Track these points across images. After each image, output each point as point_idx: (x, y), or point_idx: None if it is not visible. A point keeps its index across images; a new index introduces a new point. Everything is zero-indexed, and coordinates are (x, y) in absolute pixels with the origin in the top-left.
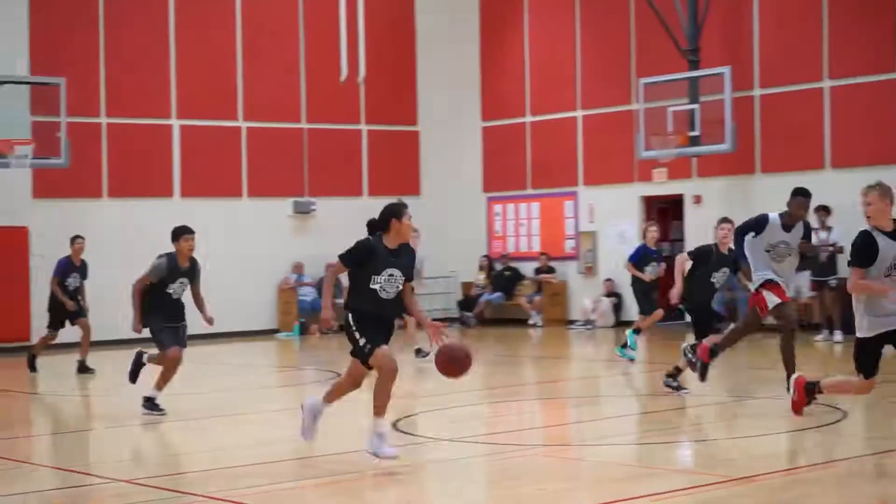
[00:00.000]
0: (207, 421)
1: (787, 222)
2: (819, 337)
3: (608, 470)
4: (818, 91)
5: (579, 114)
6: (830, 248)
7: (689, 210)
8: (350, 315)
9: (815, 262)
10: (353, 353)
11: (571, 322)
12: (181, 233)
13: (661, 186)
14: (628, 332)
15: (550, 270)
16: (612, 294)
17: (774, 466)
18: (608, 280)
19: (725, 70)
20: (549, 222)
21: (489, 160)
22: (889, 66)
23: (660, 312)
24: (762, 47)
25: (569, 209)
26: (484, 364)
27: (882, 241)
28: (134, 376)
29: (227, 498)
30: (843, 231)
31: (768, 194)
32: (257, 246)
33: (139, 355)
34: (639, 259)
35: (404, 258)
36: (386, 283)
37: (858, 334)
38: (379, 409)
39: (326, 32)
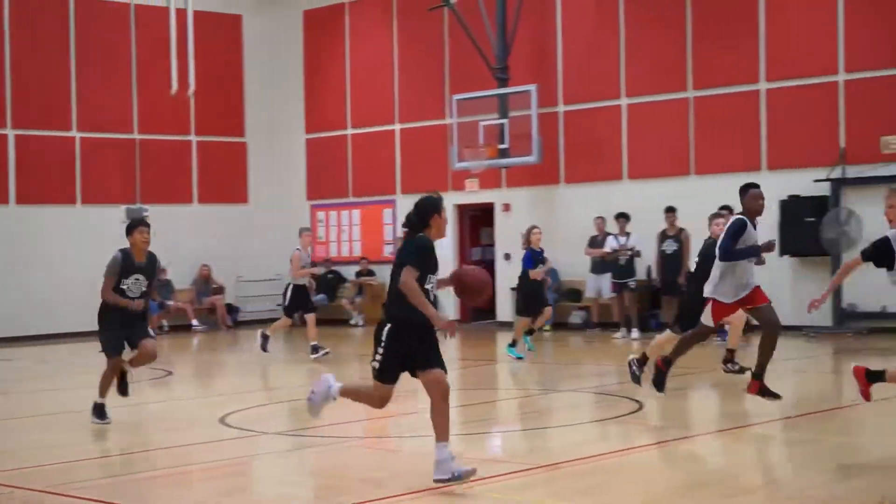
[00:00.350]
0: (39, 419)
1: (752, 221)
2: (618, 334)
3: (423, 460)
4: (616, 108)
5: (397, 127)
6: (629, 253)
7: (499, 217)
8: (389, 327)
9: (616, 264)
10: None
11: None
12: (135, 226)
13: (473, 195)
14: (524, 337)
15: (370, 273)
16: None
17: (578, 454)
18: None
19: (532, 88)
20: (369, 228)
21: (313, 170)
22: (681, 85)
23: (549, 310)
24: (565, 67)
25: (387, 216)
26: (308, 362)
27: None
28: (124, 390)
29: (63, 492)
30: (640, 237)
31: (571, 203)
32: (91, 250)
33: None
34: (533, 263)
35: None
36: (435, 282)
37: None
38: (349, 393)
39: (157, 47)
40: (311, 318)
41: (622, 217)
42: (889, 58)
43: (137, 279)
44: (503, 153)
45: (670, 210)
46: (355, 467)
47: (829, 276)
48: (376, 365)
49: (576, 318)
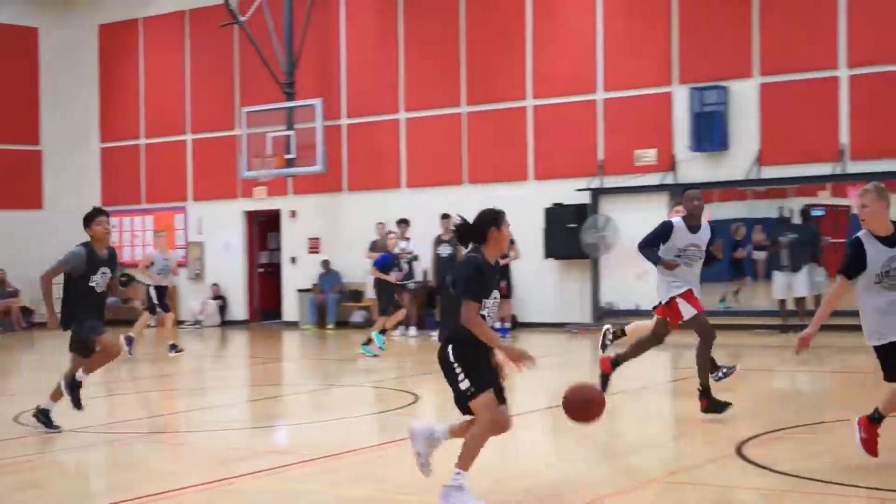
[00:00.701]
0: None
1: (691, 223)
2: (396, 332)
3: (213, 453)
4: (395, 122)
5: (189, 137)
6: (408, 256)
7: (286, 223)
8: (451, 348)
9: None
10: (456, 400)
11: (181, 322)
12: (94, 216)
13: (262, 202)
14: (374, 333)
15: None
16: (218, 297)
17: (358, 444)
18: (214, 284)
19: (317, 102)
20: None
21: (107, 177)
22: (455, 101)
23: (403, 311)
24: (349, 83)
25: (179, 222)
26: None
27: (871, 248)
28: (77, 403)
29: None
30: (417, 241)
31: (354, 209)
32: None
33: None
34: (384, 264)
35: (498, 273)
36: (492, 306)
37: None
38: (463, 459)
39: None
40: (167, 317)
41: (403, 223)
42: (643, 78)
43: (104, 273)
44: (290, 163)
45: (445, 216)
46: (148, 461)
47: (588, 277)
48: (466, 384)
49: (357, 316)
